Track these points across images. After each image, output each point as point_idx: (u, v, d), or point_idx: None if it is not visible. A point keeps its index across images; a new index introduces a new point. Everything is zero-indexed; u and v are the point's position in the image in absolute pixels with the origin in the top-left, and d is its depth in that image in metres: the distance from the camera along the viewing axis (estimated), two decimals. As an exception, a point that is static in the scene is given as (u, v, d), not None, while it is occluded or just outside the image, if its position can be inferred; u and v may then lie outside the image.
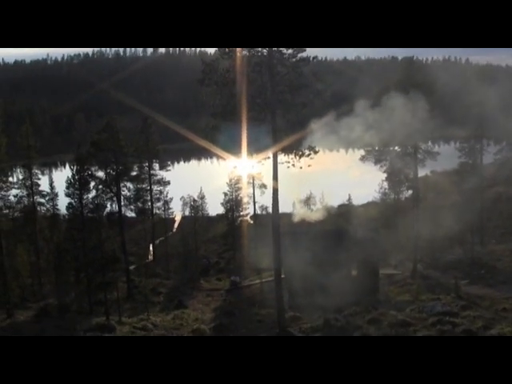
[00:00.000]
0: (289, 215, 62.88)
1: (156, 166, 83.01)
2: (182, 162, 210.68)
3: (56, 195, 70.66)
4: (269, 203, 43.80)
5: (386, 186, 75.63)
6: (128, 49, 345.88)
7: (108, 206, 63.83)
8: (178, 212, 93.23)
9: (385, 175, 70.46)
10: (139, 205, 76.40)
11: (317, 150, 39.37)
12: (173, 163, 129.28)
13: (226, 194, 67.60)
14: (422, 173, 71.19)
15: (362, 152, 70.32)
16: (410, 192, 68.61)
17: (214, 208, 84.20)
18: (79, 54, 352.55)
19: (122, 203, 66.54)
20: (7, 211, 65.28)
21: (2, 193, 61.59)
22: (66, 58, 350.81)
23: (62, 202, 61.57)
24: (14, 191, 65.99)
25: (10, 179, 68.15)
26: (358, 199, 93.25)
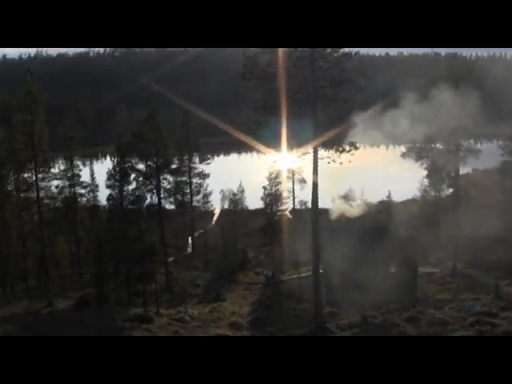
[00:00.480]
0: (328, 210, 62.59)
1: (196, 159, 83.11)
2: (222, 156, 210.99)
3: (97, 186, 71.34)
4: (308, 198, 43.71)
5: (427, 184, 74.71)
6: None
7: (148, 198, 64.28)
8: (217, 205, 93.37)
9: (425, 172, 69.70)
10: (179, 197, 76.60)
11: (358, 145, 39.15)
12: (213, 156, 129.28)
13: (265, 188, 67.38)
14: (463, 171, 70.41)
15: (402, 148, 69.77)
16: (451, 190, 67.81)
17: (254, 202, 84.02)
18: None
19: (162, 195, 66.84)
20: (49, 201, 66.27)
21: (44, 183, 62.54)
22: (108, 50, 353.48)
23: (103, 194, 62.14)
24: (55, 182, 66.96)
25: (52, 170, 69.09)
26: (398, 196, 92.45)
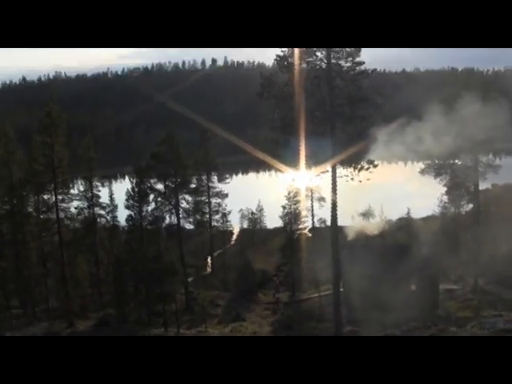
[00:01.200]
0: (347, 228, 62.48)
1: (215, 178, 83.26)
2: (240, 175, 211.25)
3: (116, 207, 71.71)
4: (327, 216, 43.63)
5: (446, 200, 74.39)
6: (186, 61, 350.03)
7: (167, 218, 64.49)
8: (236, 224, 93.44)
9: (444, 189, 69.39)
10: (198, 217, 76.73)
11: (376, 163, 39.04)
12: (231, 176, 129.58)
13: (284, 207, 67.40)
14: (483, 186, 70.02)
15: (421, 165, 69.54)
16: (471, 206, 67.45)
17: (273, 221, 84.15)
18: (139, 68, 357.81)
19: (181, 215, 66.95)
20: (68, 222, 66.64)
21: (64, 204, 62.92)
22: (125, 70, 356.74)
23: (122, 214, 62.41)
24: (75, 203, 67.34)
25: (72, 191, 69.51)
26: (418, 213, 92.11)
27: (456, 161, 62.35)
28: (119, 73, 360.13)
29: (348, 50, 37.04)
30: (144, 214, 51.17)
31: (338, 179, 39.45)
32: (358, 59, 38.02)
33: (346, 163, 39.41)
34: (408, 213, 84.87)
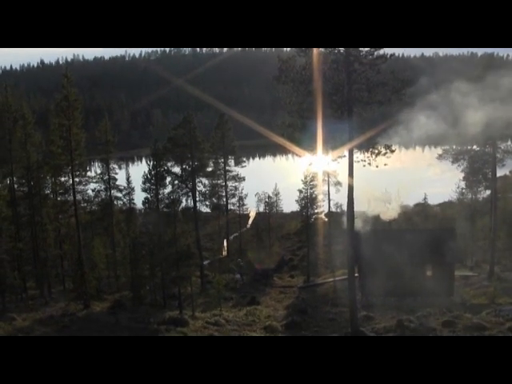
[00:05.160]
0: (364, 213, 62.43)
1: (231, 161, 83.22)
2: (257, 158, 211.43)
3: (132, 189, 71.98)
4: (344, 201, 43.53)
5: (463, 186, 74.03)
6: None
7: (183, 201, 64.74)
8: (252, 208, 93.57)
9: (462, 174, 69.05)
10: (214, 200, 76.96)
11: (393, 148, 38.85)
12: (248, 159, 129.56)
13: (300, 192, 67.31)
14: (500, 173, 69.62)
15: (438, 150, 69.19)
16: (488, 192, 67.10)
17: (289, 205, 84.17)
18: (156, 51, 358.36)
19: (197, 199, 67.22)
20: (85, 205, 67.07)
21: (81, 187, 63.36)
22: (143, 54, 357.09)
23: (139, 197, 62.60)
24: (92, 185, 67.75)
25: (89, 173, 69.90)
26: (435, 198, 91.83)
27: (474, 147, 61.94)
28: (137, 56, 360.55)
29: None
30: (160, 196, 51.17)
31: (354, 164, 39.30)
32: (376, 43, 37.77)
33: (364, 148, 39.23)
34: (425, 198, 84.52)
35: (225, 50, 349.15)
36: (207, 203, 75.42)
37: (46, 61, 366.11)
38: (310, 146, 43.82)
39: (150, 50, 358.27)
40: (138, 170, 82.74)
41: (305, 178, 66.67)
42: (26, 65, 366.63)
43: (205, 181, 70.62)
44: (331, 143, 40.94)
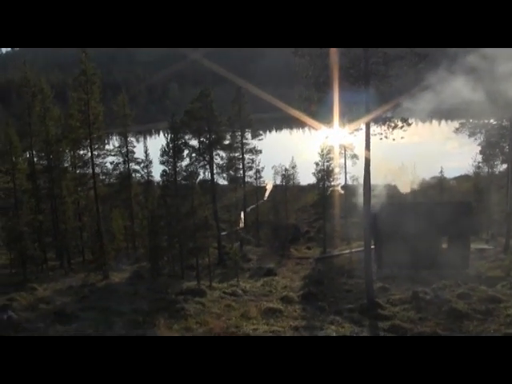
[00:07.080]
0: (380, 186, 62.52)
1: (248, 135, 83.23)
2: (274, 132, 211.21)
3: (150, 162, 72.68)
4: (360, 174, 43.66)
5: (480, 160, 73.89)
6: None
7: (201, 173, 65.15)
8: (269, 181, 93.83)
9: (479, 148, 68.90)
10: (231, 173, 77.20)
11: (410, 122, 38.97)
12: (265, 132, 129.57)
13: (317, 164, 67.41)
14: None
15: (455, 124, 69.03)
16: (505, 166, 66.90)
17: (305, 177, 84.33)
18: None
19: (215, 171, 67.51)
20: (104, 177, 67.79)
21: (100, 160, 64.01)
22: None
23: (156, 169, 63.12)
24: (110, 158, 68.47)
25: (107, 147, 70.52)
26: (451, 172, 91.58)
27: (491, 120, 61.72)
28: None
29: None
30: (178, 169, 51.46)
31: (371, 137, 39.43)
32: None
33: (381, 121, 39.32)
34: (441, 172, 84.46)
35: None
36: (224, 176, 75.63)
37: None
38: (326, 119, 43.96)
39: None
40: (156, 144, 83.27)
41: (321, 151, 66.82)
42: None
43: (222, 154, 70.82)
44: (348, 116, 41.04)
